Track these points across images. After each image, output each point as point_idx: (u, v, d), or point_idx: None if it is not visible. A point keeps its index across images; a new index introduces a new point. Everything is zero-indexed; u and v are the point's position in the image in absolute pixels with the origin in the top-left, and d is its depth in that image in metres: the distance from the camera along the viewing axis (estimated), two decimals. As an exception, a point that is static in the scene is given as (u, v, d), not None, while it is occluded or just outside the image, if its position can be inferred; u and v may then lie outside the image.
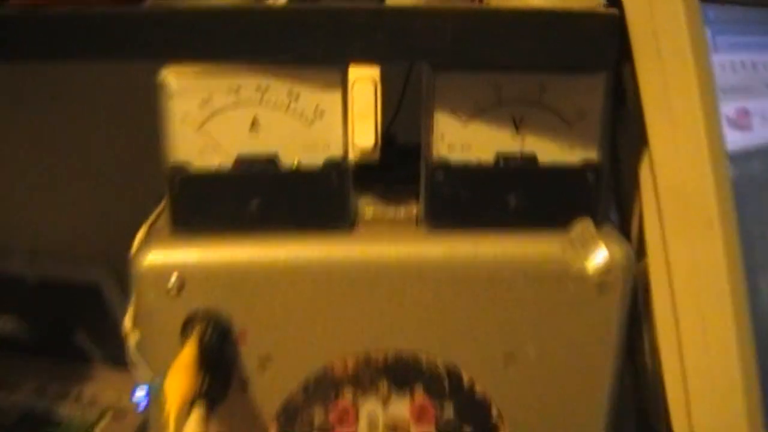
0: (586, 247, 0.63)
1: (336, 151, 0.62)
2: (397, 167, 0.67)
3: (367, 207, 0.66)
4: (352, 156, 0.61)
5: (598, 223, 0.64)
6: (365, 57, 0.58)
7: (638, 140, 0.66)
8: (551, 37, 0.58)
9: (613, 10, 0.58)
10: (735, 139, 0.62)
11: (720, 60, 0.62)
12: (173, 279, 0.62)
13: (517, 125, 0.63)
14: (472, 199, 0.64)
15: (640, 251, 0.66)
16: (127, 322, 0.63)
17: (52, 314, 1.09)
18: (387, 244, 0.63)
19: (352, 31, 0.58)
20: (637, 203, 0.68)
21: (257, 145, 0.62)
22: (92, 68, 0.93)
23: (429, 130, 0.62)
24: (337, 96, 0.61)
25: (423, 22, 0.58)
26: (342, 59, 0.59)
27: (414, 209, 0.66)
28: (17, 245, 1.10)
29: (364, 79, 0.59)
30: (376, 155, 0.60)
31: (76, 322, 1.07)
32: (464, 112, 0.62)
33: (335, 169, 0.62)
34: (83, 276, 1.06)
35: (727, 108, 0.63)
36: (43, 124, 1.08)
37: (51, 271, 1.07)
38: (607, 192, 0.67)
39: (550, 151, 0.64)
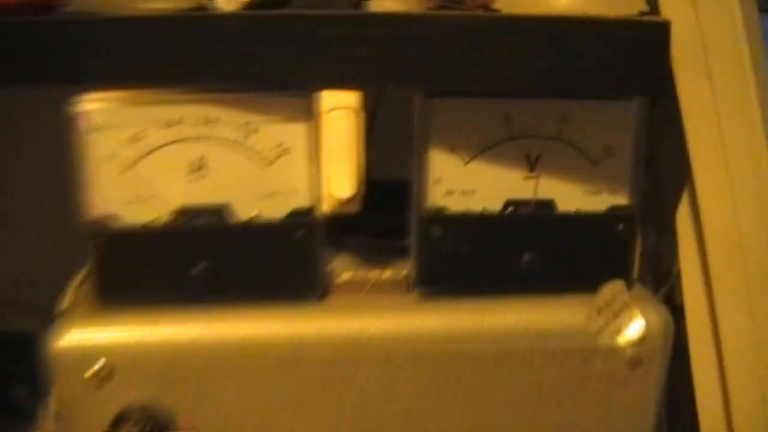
0: (618, 316, 0.51)
1: (303, 201, 0.49)
2: (381, 214, 0.53)
3: (343, 269, 0.52)
4: (326, 207, 0.47)
5: (629, 284, 0.51)
6: (342, 80, 0.45)
7: (678, 177, 0.53)
8: (579, 53, 0.45)
9: (661, 19, 0.45)
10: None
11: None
12: (99, 365, 0.47)
13: (532, 165, 0.50)
14: (477, 258, 0.51)
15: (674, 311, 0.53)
16: (43, 420, 0.48)
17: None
18: (369, 317, 0.49)
19: (325, 45, 0.44)
20: (671, 252, 0.55)
21: (203, 193, 0.49)
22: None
23: (422, 171, 0.49)
24: (304, 130, 0.47)
25: (417, 33, 0.44)
26: (312, 82, 0.45)
27: (403, 270, 0.52)
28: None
29: (340, 108, 0.45)
30: (356, 206, 0.46)
31: (15, 375, 0.92)
32: (466, 149, 0.49)
33: (302, 222, 0.49)
34: (19, 325, 0.91)
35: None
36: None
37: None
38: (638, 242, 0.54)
39: (572, 196, 0.51)
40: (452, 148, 0.50)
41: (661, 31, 0.45)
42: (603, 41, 0.46)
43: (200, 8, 0.47)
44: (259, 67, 0.45)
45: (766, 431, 0.52)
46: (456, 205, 0.50)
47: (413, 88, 0.47)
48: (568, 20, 0.46)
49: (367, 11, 0.46)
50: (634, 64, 0.46)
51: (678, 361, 0.54)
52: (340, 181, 0.46)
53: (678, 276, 0.55)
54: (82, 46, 0.45)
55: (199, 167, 0.48)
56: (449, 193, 0.50)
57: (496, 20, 0.46)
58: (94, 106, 0.47)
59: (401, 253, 0.52)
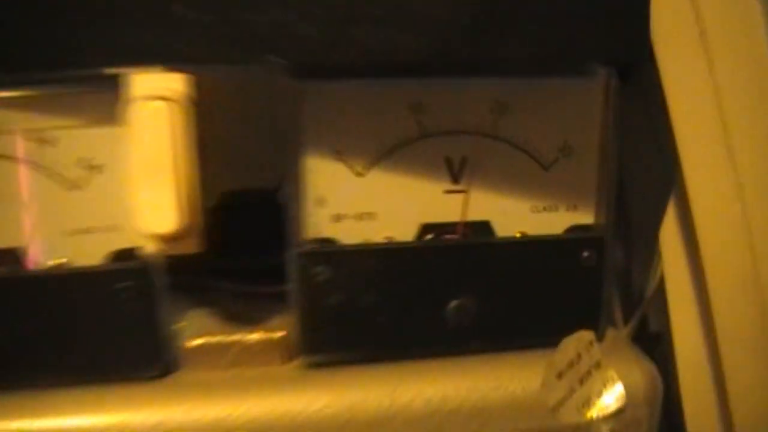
0: (586, 381, 0.35)
1: (128, 239, 0.33)
2: (252, 248, 0.38)
3: (197, 330, 0.37)
4: (148, 246, 0.32)
5: (600, 334, 0.36)
6: (154, 54, 0.29)
7: (658, 177, 0.38)
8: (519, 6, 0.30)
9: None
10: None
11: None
12: None
13: (456, 173, 0.35)
14: (382, 310, 0.35)
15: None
16: None
17: None
18: (233, 398, 0.34)
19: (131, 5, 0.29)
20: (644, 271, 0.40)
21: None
22: None
23: (297, 189, 0.33)
24: (116, 137, 0.32)
25: None
26: (112, 60, 0.30)
27: (280, 331, 0.36)
28: None
29: (155, 99, 0.30)
30: (192, 245, 0.31)
31: None
32: (360, 154, 0.33)
33: (129, 268, 0.33)
34: None
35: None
36: None
37: None
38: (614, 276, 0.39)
39: (515, 214, 0.36)
40: (339, 154, 0.34)
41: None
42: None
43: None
44: (39, 39, 0.30)
45: None
46: (349, 234, 0.35)
47: (273, 66, 0.32)
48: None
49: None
50: (599, 20, 0.30)
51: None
52: (156, 208, 0.30)
53: (652, 301, 0.40)
54: None
55: (-24, 196, 0.33)
56: (338, 218, 0.35)
57: None
58: None
59: (276, 305, 0.37)
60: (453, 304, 0.37)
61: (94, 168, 0.34)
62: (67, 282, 0.35)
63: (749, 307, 0.36)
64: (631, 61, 0.34)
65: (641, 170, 0.40)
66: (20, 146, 0.33)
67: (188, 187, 0.31)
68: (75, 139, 0.34)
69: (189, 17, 0.30)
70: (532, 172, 0.37)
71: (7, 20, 0.30)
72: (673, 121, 0.35)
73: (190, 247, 0.32)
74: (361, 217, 0.36)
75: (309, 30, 0.30)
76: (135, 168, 0.31)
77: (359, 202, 0.36)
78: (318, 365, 0.37)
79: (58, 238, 0.35)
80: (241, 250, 0.39)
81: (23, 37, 0.31)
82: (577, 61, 0.34)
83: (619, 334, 0.40)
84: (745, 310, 0.36)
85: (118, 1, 0.30)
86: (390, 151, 0.35)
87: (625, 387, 0.36)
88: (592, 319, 0.38)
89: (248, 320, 0.38)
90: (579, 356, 0.37)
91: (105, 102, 0.33)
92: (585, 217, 0.38)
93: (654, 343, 0.42)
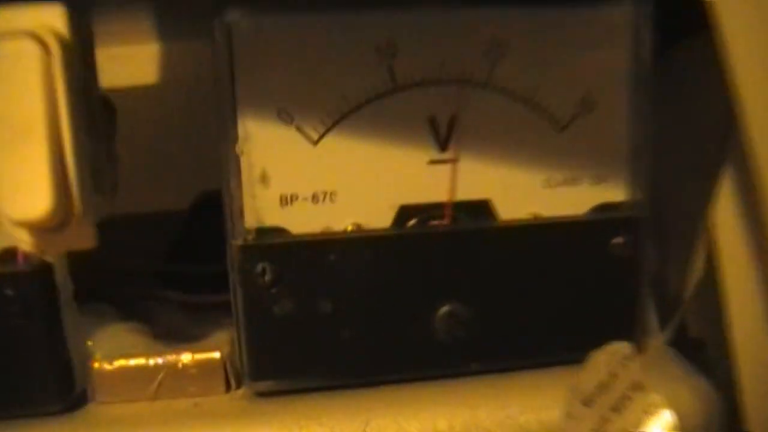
0: (623, 409, 0.26)
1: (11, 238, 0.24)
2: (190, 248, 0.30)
3: (110, 355, 0.28)
4: (25, 241, 0.23)
5: (639, 345, 0.27)
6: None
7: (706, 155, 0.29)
8: None
9: None
10: None
11: None
12: None
13: (444, 138, 0.26)
14: (350, 319, 0.26)
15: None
16: None
17: None
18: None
19: None
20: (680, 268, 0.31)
21: None
22: None
23: (231, 162, 0.25)
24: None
25: None
26: None
27: (221, 350, 0.28)
28: None
29: (15, 39, 0.21)
30: (80, 238, 0.23)
31: None
32: (311, 115, 0.24)
33: (19, 273, 0.25)
34: None
35: None
36: None
37: None
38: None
39: (523, 190, 0.27)
40: (284, 115, 0.25)
41: None
42: None
43: None
44: None
45: None
46: (303, 222, 0.26)
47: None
48: None
49: None
50: None
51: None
52: (23, 183, 0.22)
53: (690, 303, 0.31)
54: None
55: None
56: (288, 199, 0.26)
57: None
58: None
59: (220, 317, 0.28)
60: (443, 310, 0.28)
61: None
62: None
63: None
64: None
65: (683, 138, 0.31)
66: None
67: (69, 156, 0.23)
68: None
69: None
70: (543, 134, 0.28)
71: None
72: (733, 83, 0.26)
73: (77, 241, 0.24)
74: (317, 197, 0.27)
75: None
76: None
77: (315, 178, 0.27)
78: (268, 394, 0.28)
79: None
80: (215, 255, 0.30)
81: None
82: None
83: (660, 344, 0.31)
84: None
85: None
86: (354, 109, 0.27)
87: (677, 414, 0.27)
88: (627, 327, 0.29)
89: (183, 337, 0.29)
90: (612, 376, 0.28)
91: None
92: (614, 193, 0.29)
93: (695, 352, 0.33)
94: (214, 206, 0.29)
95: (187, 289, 0.35)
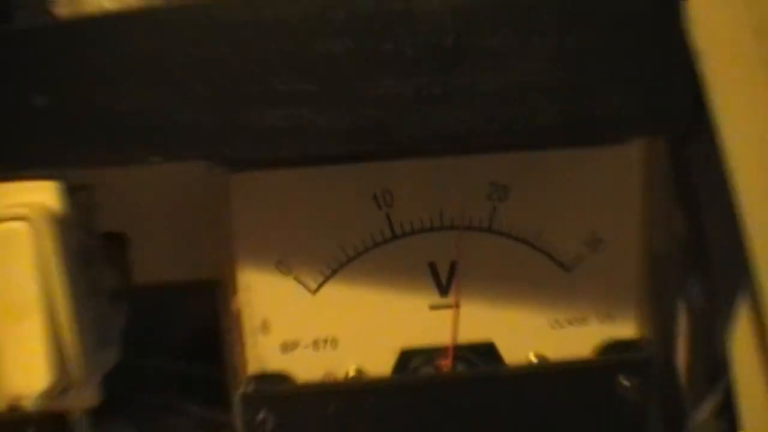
0: None
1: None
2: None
3: None
4: (28, 405, 0.24)
5: None
6: (12, 163, 0.22)
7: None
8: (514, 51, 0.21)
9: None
10: None
11: None
12: None
13: (445, 283, 0.25)
14: None
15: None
16: None
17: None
18: None
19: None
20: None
21: None
22: None
23: (233, 312, 0.25)
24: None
25: (153, 44, 0.21)
26: None
27: None
28: None
29: (11, 220, 0.22)
30: (85, 399, 0.23)
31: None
32: (311, 264, 0.24)
33: (34, 417, 0.25)
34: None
35: None
36: None
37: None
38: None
39: (528, 332, 0.26)
40: (283, 266, 0.26)
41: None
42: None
43: None
44: None
45: None
46: (304, 368, 0.27)
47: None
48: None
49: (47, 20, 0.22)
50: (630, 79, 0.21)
51: None
52: (20, 361, 0.22)
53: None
54: None
55: None
56: (289, 347, 0.26)
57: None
58: None
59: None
60: (444, 451, 0.27)
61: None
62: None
63: None
64: (670, 133, 0.24)
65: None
66: None
67: (66, 329, 0.23)
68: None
69: (52, 110, 0.22)
70: (549, 275, 0.28)
71: None
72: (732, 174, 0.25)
73: (80, 401, 0.24)
74: (318, 344, 0.27)
75: (199, 117, 0.21)
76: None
77: (315, 325, 0.27)
78: None
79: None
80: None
81: None
82: (604, 133, 0.24)
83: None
84: None
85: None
86: (352, 258, 0.26)
87: None
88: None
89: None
90: None
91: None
92: (624, 330, 0.28)
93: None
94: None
95: (206, 398, 0.35)
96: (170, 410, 0.35)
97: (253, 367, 0.27)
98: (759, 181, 0.25)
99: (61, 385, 0.23)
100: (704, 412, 0.32)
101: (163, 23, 0.21)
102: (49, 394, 0.23)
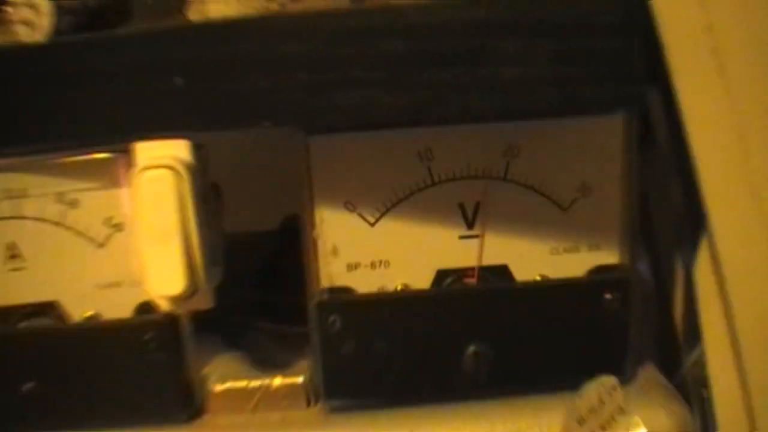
0: (609, 427, 0.34)
1: (152, 292, 0.34)
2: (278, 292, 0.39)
3: (222, 375, 0.38)
4: (163, 305, 0.33)
5: (627, 373, 0.35)
6: (158, 124, 0.31)
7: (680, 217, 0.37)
8: (524, 51, 0.29)
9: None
10: None
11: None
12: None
13: (470, 218, 0.34)
14: (399, 356, 0.35)
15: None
16: None
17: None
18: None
19: (132, 78, 0.30)
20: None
21: (22, 289, 0.36)
22: None
23: (310, 240, 0.34)
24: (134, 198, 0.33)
25: (261, 46, 0.29)
26: (125, 131, 0.31)
27: (302, 376, 0.37)
28: None
29: (155, 167, 0.31)
30: (203, 302, 0.32)
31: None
32: (370, 204, 0.33)
33: (154, 320, 0.35)
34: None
35: None
36: None
37: None
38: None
39: (534, 257, 0.36)
40: (349, 205, 0.35)
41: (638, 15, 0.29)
42: (561, 31, 0.30)
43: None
44: (66, 115, 0.32)
45: None
46: (364, 283, 0.36)
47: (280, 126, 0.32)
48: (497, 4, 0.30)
49: (182, 23, 0.31)
50: (607, 66, 0.30)
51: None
52: (163, 271, 0.32)
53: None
54: None
55: (12, 256, 0.35)
56: (353, 267, 0.36)
57: (371, 14, 0.31)
58: None
59: (302, 347, 0.38)
60: (470, 350, 0.36)
61: (114, 227, 0.36)
62: (98, 334, 0.36)
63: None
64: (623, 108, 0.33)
65: (670, 208, 0.38)
66: (47, 208, 0.35)
67: (195, 249, 0.32)
68: (96, 200, 0.35)
69: (177, 87, 0.31)
70: (549, 214, 0.36)
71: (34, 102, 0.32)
72: (694, 154, 0.34)
73: (201, 304, 0.34)
74: (375, 265, 0.36)
75: (298, 95, 0.30)
76: (142, 234, 0.32)
77: (373, 250, 0.36)
78: (338, 409, 0.37)
79: (88, 292, 0.36)
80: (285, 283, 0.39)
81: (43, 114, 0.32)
82: (573, 109, 0.33)
83: (653, 375, 0.39)
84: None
85: (122, 79, 0.31)
86: (401, 199, 0.35)
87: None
88: (618, 364, 0.37)
89: (274, 364, 0.39)
90: (601, 402, 0.36)
91: (121, 164, 0.35)
92: (608, 257, 0.37)
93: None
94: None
95: (277, 317, 0.44)
96: (249, 328, 0.44)
97: (324, 283, 0.36)
98: (712, 148, 0.34)
99: (191, 291, 0.33)
100: (694, 357, 0.41)
101: (275, 27, 0.30)
102: (182, 296, 0.32)
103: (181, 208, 0.32)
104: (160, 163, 0.32)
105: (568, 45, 0.30)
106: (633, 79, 0.31)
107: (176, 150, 0.32)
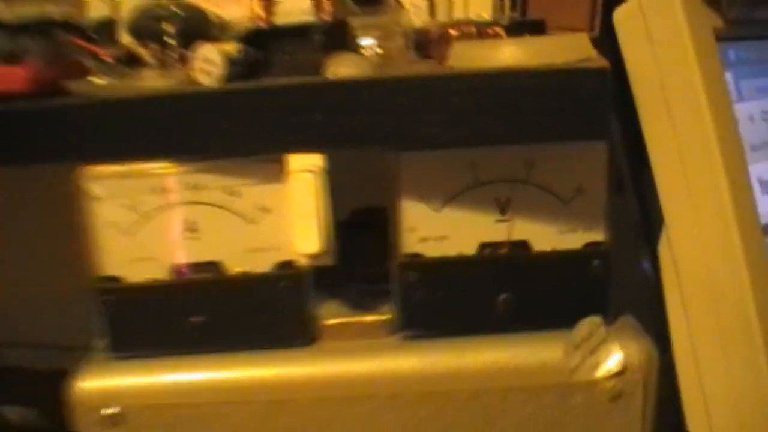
0: (595, 351, 0.52)
1: (287, 254, 0.52)
2: (368, 261, 0.57)
3: (330, 314, 0.56)
4: (301, 262, 0.51)
5: (609, 316, 0.53)
6: (303, 144, 0.48)
7: (656, 214, 0.54)
8: (533, 103, 0.47)
9: (603, 62, 0.47)
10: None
11: (746, 110, 0.50)
12: (112, 411, 0.53)
13: (503, 208, 0.52)
14: (453, 301, 0.53)
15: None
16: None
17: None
18: (354, 359, 0.53)
19: (287, 113, 0.47)
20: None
21: (197, 252, 0.52)
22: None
23: (397, 221, 0.52)
24: (279, 191, 0.51)
25: (372, 96, 0.47)
26: (278, 147, 0.49)
27: (386, 314, 0.55)
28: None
29: (302, 171, 0.48)
30: (328, 260, 0.50)
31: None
32: (437, 197, 0.51)
33: (287, 274, 0.52)
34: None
35: (760, 169, 0.51)
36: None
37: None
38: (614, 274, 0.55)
39: (546, 235, 0.53)
40: (423, 197, 0.52)
41: (600, 75, 0.46)
42: (554, 89, 0.47)
43: (189, 84, 0.51)
44: (235, 135, 0.49)
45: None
46: (431, 251, 0.53)
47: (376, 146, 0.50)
48: (520, 72, 0.48)
49: (322, 78, 0.49)
50: (584, 108, 0.47)
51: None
52: (305, 238, 0.49)
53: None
54: (83, 126, 0.50)
55: (192, 229, 0.53)
56: (424, 240, 0.53)
57: (452, 77, 0.49)
58: (95, 178, 0.52)
59: (385, 297, 0.55)
60: (502, 297, 0.54)
61: (264, 210, 0.53)
62: (249, 284, 0.54)
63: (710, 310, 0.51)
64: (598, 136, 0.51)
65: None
66: (219, 197, 0.53)
67: (326, 225, 0.50)
68: (252, 192, 0.53)
69: (319, 120, 0.48)
70: (556, 206, 0.53)
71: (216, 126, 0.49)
72: (655, 173, 0.52)
73: (327, 261, 0.51)
74: (438, 239, 0.54)
75: (400, 118, 0.48)
76: (293, 213, 0.50)
77: (437, 229, 0.53)
78: (412, 338, 0.55)
79: (241, 254, 0.54)
80: (363, 256, 0.57)
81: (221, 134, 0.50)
82: (554, 138, 0.50)
83: (628, 320, 0.56)
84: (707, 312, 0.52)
85: (279, 112, 0.49)
86: (456, 194, 0.53)
87: (624, 356, 0.53)
88: (602, 311, 0.54)
89: (366, 308, 0.56)
90: (590, 334, 0.53)
91: (268, 169, 0.52)
92: (596, 236, 0.54)
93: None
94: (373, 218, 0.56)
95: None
96: (340, 286, 0.61)
97: (404, 251, 0.54)
98: (663, 164, 0.51)
99: (324, 250, 0.50)
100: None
101: (386, 84, 0.48)
102: (318, 255, 0.50)
103: (317, 198, 0.50)
104: (305, 168, 0.49)
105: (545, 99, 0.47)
106: (593, 119, 0.48)
107: (315, 160, 0.50)
